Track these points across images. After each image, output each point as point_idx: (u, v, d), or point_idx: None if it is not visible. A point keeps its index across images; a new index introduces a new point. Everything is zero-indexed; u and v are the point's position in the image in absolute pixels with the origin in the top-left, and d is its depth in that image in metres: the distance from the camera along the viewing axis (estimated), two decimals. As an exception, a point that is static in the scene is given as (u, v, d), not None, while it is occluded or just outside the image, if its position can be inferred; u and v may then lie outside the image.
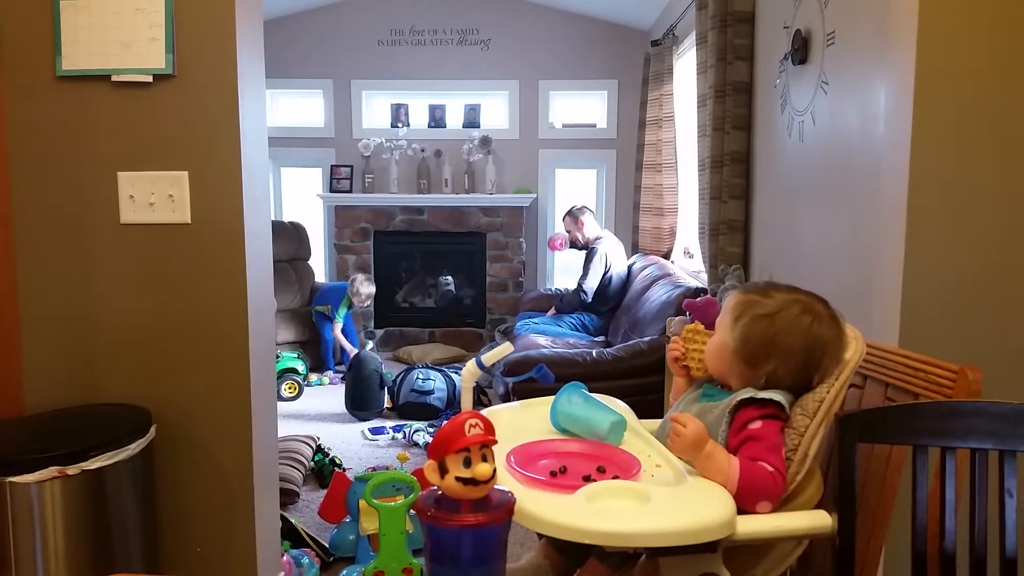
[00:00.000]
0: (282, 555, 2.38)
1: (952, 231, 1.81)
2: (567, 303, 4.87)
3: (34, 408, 2.00)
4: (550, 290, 5.64)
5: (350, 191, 5.97)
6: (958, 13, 1.77)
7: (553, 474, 1.23)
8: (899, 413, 1.25)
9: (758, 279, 3.15)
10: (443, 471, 0.92)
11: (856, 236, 2.22)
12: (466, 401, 1.63)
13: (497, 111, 6.14)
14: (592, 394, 1.47)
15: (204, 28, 1.92)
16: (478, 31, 5.98)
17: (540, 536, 1.45)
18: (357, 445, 3.88)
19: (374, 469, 3.37)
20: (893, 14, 1.89)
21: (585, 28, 5.95)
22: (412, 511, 0.96)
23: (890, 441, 1.26)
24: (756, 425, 1.24)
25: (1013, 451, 1.19)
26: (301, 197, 6.26)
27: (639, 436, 1.40)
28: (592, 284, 4.76)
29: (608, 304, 4.80)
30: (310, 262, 5.76)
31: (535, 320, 4.84)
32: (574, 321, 4.80)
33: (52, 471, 1.68)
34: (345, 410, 4.36)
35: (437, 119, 6.08)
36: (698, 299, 3.33)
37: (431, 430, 3.95)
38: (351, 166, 6.00)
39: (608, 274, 4.79)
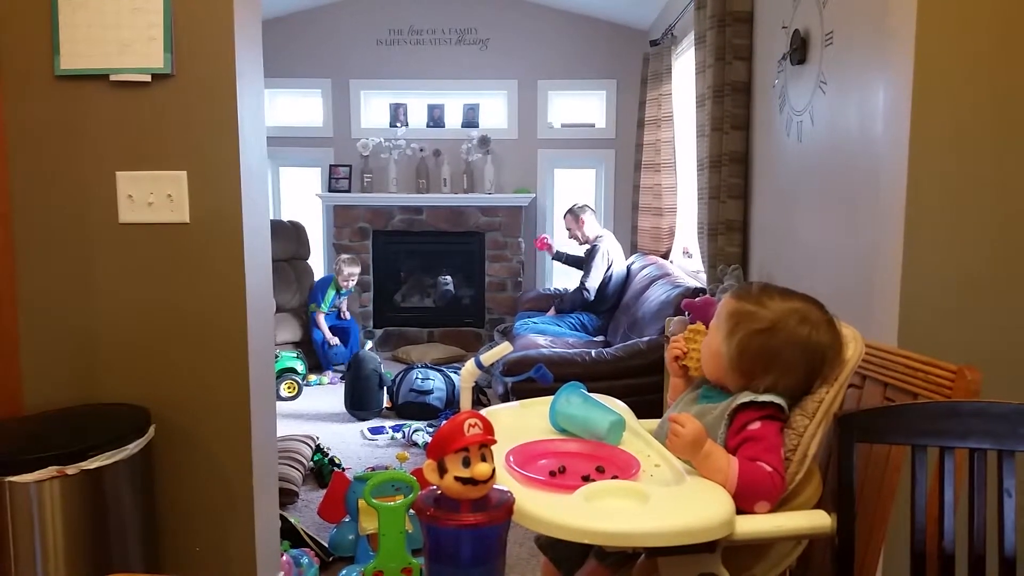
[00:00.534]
0: (281, 555, 2.38)
1: (950, 231, 1.81)
2: (569, 302, 4.86)
3: (33, 408, 2.00)
4: (549, 290, 5.64)
5: (349, 191, 5.97)
6: (956, 13, 1.77)
7: (552, 474, 1.23)
8: (898, 413, 1.25)
9: (756, 279, 3.16)
10: (442, 471, 0.92)
11: (855, 236, 2.22)
12: (465, 401, 1.63)
13: (496, 111, 6.14)
14: (591, 394, 1.47)
15: (203, 27, 1.92)
16: (476, 31, 5.98)
17: (539, 546, 1.46)
18: (356, 445, 3.88)
19: (373, 469, 3.37)
20: (892, 14, 1.89)
21: (584, 28, 5.95)
22: (411, 511, 0.96)
23: (889, 441, 1.26)
24: (755, 426, 1.24)
25: (1012, 451, 1.19)
26: (300, 197, 6.26)
27: (638, 436, 1.40)
28: (595, 282, 4.76)
29: (607, 304, 4.80)
30: (309, 261, 5.76)
31: (534, 320, 4.84)
32: (573, 321, 4.80)
33: (51, 471, 1.68)
34: (344, 410, 4.36)
35: (436, 119, 6.08)
36: (697, 299, 3.34)
37: (430, 430, 3.95)
38: (350, 166, 6.00)
39: (609, 272, 4.79)
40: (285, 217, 6.07)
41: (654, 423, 1.50)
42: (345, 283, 5.23)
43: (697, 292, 3.58)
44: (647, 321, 3.89)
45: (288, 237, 5.53)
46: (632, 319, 4.22)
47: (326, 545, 2.67)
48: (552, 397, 1.45)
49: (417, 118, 6.09)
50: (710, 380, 1.37)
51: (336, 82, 6.05)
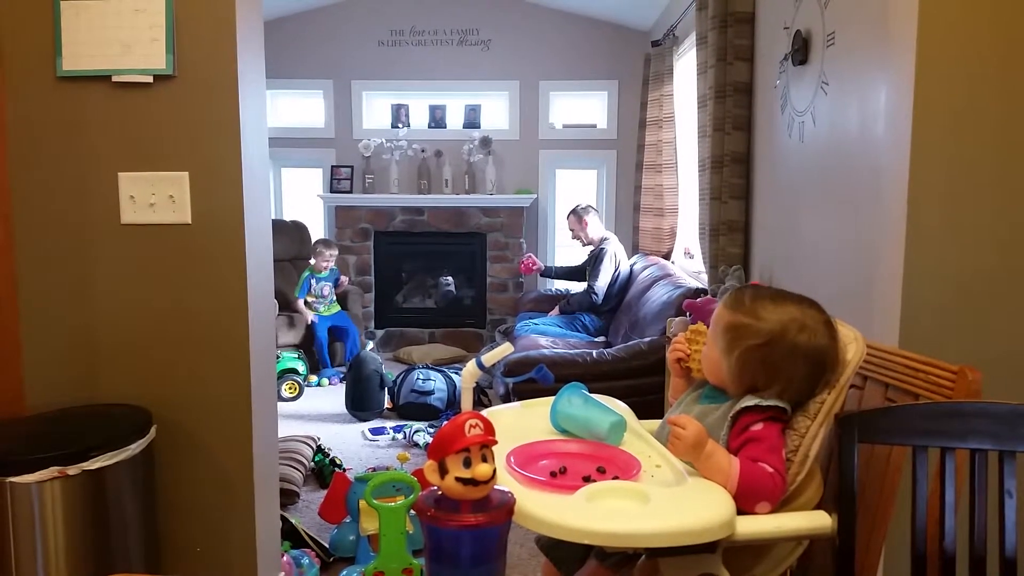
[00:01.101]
0: (282, 555, 2.38)
1: (952, 231, 1.81)
2: (576, 304, 4.84)
3: (35, 408, 2.00)
4: (551, 290, 5.64)
5: (350, 191, 5.98)
6: (958, 14, 1.77)
7: (553, 475, 1.23)
8: (899, 414, 1.25)
9: (758, 280, 3.15)
10: (443, 471, 0.92)
11: (856, 236, 2.22)
12: (466, 401, 1.63)
13: (497, 111, 6.14)
14: (592, 395, 1.47)
15: (204, 28, 1.92)
16: (478, 31, 5.99)
17: (540, 546, 1.46)
18: (357, 445, 3.89)
19: (374, 469, 3.37)
20: (893, 15, 1.89)
21: (585, 29, 5.95)
22: (412, 511, 0.96)
23: (890, 442, 1.26)
24: (757, 427, 1.24)
25: (1013, 451, 1.19)
26: (301, 197, 6.27)
27: (639, 437, 1.40)
28: (602, 285, 4.75)
29: (609, 305, 4.79)
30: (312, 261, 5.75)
31: (535, 320, 4.83)
32: (574, 322, 4.80)
33: (53, 471, 1.68)
34: (345, 410, 4.36)
35: (437, 119, 6.08)
36: (698, 300, 3.34)
37: (431, 430, 3.95)
38: (351, 166, 6.01)
39: (616, 274, 4.79)
40: (287, 218, 6.08)
41: (655, 424, 1.50)
42: (325, 264, 5.19)
43: (699, 293, 3.58)
44: (648, 322, 3.89)
45: (291, 237, 5.54)
46: (633, 320, 4.22)
47: (327, 546, 2.67)
48: (553, 398, 1.45)
49: (419, 119, 6.09)
50: (711, 383, 1.37)
51: (338, 83, 6.06)
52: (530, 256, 5.25)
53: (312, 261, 5.21)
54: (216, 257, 1.99)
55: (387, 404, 4.38)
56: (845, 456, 1.23)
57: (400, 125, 6.03)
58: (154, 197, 1.97)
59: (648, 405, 2.28)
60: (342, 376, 4.91)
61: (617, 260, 4.81)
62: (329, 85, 6.06)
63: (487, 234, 5.98)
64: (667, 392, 1.57)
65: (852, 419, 1.25)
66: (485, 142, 5.88)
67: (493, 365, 1.66)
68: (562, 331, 4.66)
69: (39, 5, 1.90)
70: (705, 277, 3.65)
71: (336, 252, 5.32)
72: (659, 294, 3.99)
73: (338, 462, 3.44)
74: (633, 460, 1.26)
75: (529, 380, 1.72)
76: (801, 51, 2.62)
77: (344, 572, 2.46)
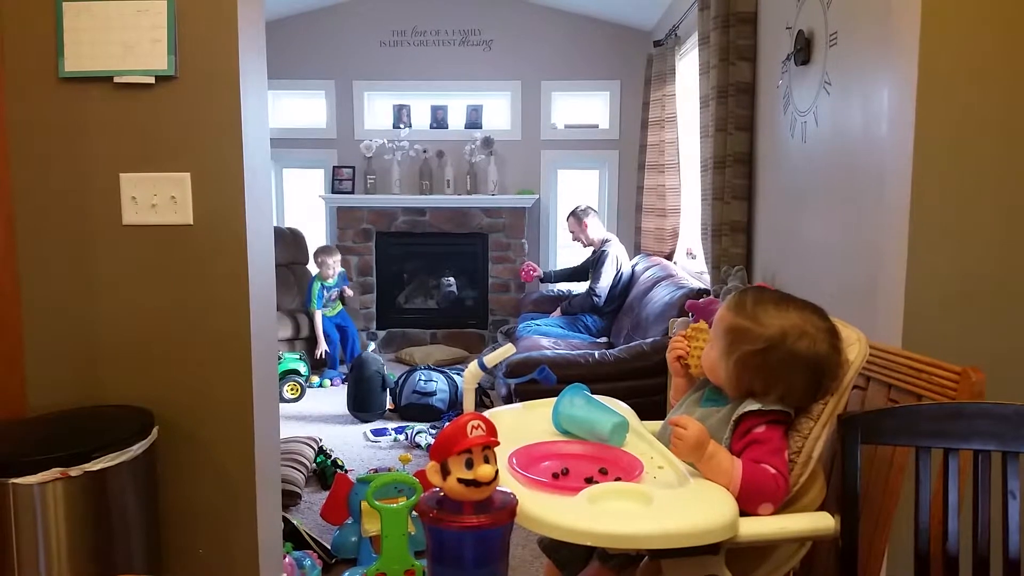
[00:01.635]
0: (284, 557, 2.38)
1: (955, 232, 1.81)
2: (577, 305, 4.84)
3: (37, 410, 2.00)
4: (553, 291, 5.63)
5: (352, 192, 5.98)
6: (961, 13, 1.76)
7: (555, 476, 1.23)
8: (902, 415, 1.25)
9: (761, 280, 3.15)
10: (445, 473, 0.92)
11: (859, 237, 2.21)
12: (468, 402, 1.63)
13: (499, 112, 6.15)
14: (594, 396, 1.47)
15: (206, 29, 1.92)
16: (480, 32, 5.99)
17: (542, 548, 1.46)
18: (359, 447, 3.89)
19: (376, 471, 3.38)
20: (896, 15, 1.89)
21: (587, 29, 5.95)
22: (414, 513, 0.96)
23: (893, 443, 1.26)
24: (760, 429, 1.23)
25: (1016, 452, 1.19)
26: (303, 198, 6.27)
27: (641, 438, 1.40)
28: (604, 287, 4.74)
29: (611, 306, 4.79)
30: (308, 267, 5.75)
31: (537, 321, 4.83)
32: (576, 323, 4.80)
33: (55, 472, 1.68)
34: (347, 412, 4.36)
35: (439, 120, 6.09)
36: (700, 300, 3.34)
37: (433, 432, 3.95)
38: (353, 167, 6.01)
39: (618, 276, 4.78)
40: (288, 218, 6.09)
41: (657, 425, 1.50)
42: (330, 272, 5.20)
43: (701, 293, 3.58)
44: (651, 322, 3.89)
45: (287, 243, 5.56)
46: (636, 320, 4.22)
47: (329, 547, 2.67)
48: (555, 399, 1.45)
49: (420, 119, 6.09)
50: (712, 383, 1.37)
51: (340, 83, 6.06)
52: (529, 263, 5.26)
53: (317, 271, 5.21)
54: (218, 258, 1.99)
55: (389, 405, 4.38)
56: (848, 457, 1.23)
57: (402, 125, 6.03)
58: (156, 198, 1.97)
59: (650, 406, 2.27)
60: (344, 377, 4.91)
61: (619, 262, 4.81)
62: (331, 85, 6.06)
63: (489, 235, 5.98)
64: (669, 393, 1.56)
65: (855, 420, 1.25)
66: (487, 142, 5.88)
67: (495, 366, 1.66)
68: (564, 332, 4.66)
69: (41, 6, 1.91)
70: (707, 278, 3.65)
71: (339, 256, 5.33)
72: (661, 295, 3.99)
73: (340, 463, 3.44)
74: (635, 461, 1.26)
75: (531, 381, 1.72)
76: (804, 51, 2.62)
77: (346, 573, 2.46)
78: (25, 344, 2.01)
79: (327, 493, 2.79)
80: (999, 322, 1.82)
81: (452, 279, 6.13)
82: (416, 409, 4.26)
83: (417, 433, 3.92)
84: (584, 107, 6.17)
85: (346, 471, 3.37)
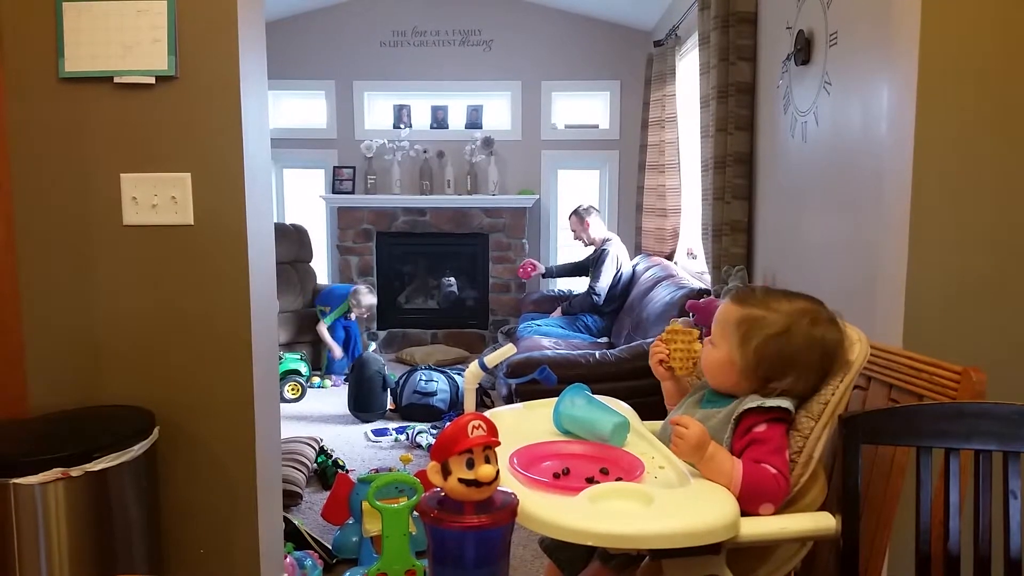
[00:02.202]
0: (285, 557, 2.38)
1: (955, 231, 1.81)
2: (577, 305, 4.85)
3: (38, 410, 2.00)
4: (553, 291, 5.63)
5: (352, 192, 5.98)
6: (961, 13, 1.76)
7: (556, 476, 1.23)
8: (903, 414, 1.25)
9: (761, 280, 3.15)
10: (446, 473, 0.92)
11: (859, 237, 2.21)
12: (469, 403, 1.63)
13: (499, 112, 6.15)
14: (595, 396, 1.47)
15: (206, 30, 1.92)
16: (480, 32, 5.99)
17: (543, 548, 1.46)
18: (360, 447, 3.89)
19: (377, 471, 3.38)
20: (896, 14, 1.89)
21: (587, 29, 5.95)
22: (415, 513, 0.96)
23: (894, 443, 1.26)
24: (761, 428, 1.24)
25: (1017, 452, 1.19)
26: (303, 198, 6.27)
27: (642, 438, 1.40)
28: (603, 286, 4.75)
29: (612, 306, 4.79)
30: (312, 264, 5.76)
31: (538, 321, 4.83)
32: (577, 322, 4.80)
33: (56, 473, 1.68)
34: (348, 412, 4.36)
35: (439, 120, 6.09)
36: (701, 300, 3.34)
37: (434, 432, 3.95)
38: (353, 167, 6.01)
39: (618, 276, 4.78)
40: (288, 219, 6.07)
41: (658, 425, 1.50)
42: (360, 314, 5.24)
43: (701, 293, 3.58)
44: (651, 322, 3.88)
45: (291, 240, 5.54)
46: (636, 320, 4.22)
47: (330, 547, 2.67)
48: (556, 399, 1.45)
49: (421, 119, 6.09)
50: (716, 388, 1.36)
51: (340, 83, 6.06)
52: (529, 261, 5.25)
53: (352, 302, 5.20)
54: (218, 258, 1.99)
55: (390, 405, 4.38)
56: (849, 457, 1.23)
57: (402, 126, 6.03)
58: (156, 198, 1.97)
59: (651, 406, 2.26)
60: (345, 377, 4.91)
61: (619, 261, 4.81)
62: (331, 86, 6.06)
63: (489, 235, 5.98)
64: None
65: (856, 420, 1.25)
66: (487, 142, 5.88)
67: (496, 366, 1.66)
68: (564, 332, 4.66)
69: (41, 6, 1.91)
70: (708, 277, 3.65)
71: (374, 302, 5.35)
72: (662, 295, 3.99)
73: (341, 463, 3.44)
74: (636, 461, 1.26)
75: (532, 381, 1.72)
76: (804, 51, 2.62)
77: (347, 574, 2.46)
78: (26, 344, 2.01)
79: (328, 493, 2.79)
80: (1000, 322, 1.82)
81: (453, 279, 6.13)
82: (417, 409, 4.26)
83: (418, 433, 3.92)
84: (584, 107, 6.17)
85: (347, 471, 3.37)
